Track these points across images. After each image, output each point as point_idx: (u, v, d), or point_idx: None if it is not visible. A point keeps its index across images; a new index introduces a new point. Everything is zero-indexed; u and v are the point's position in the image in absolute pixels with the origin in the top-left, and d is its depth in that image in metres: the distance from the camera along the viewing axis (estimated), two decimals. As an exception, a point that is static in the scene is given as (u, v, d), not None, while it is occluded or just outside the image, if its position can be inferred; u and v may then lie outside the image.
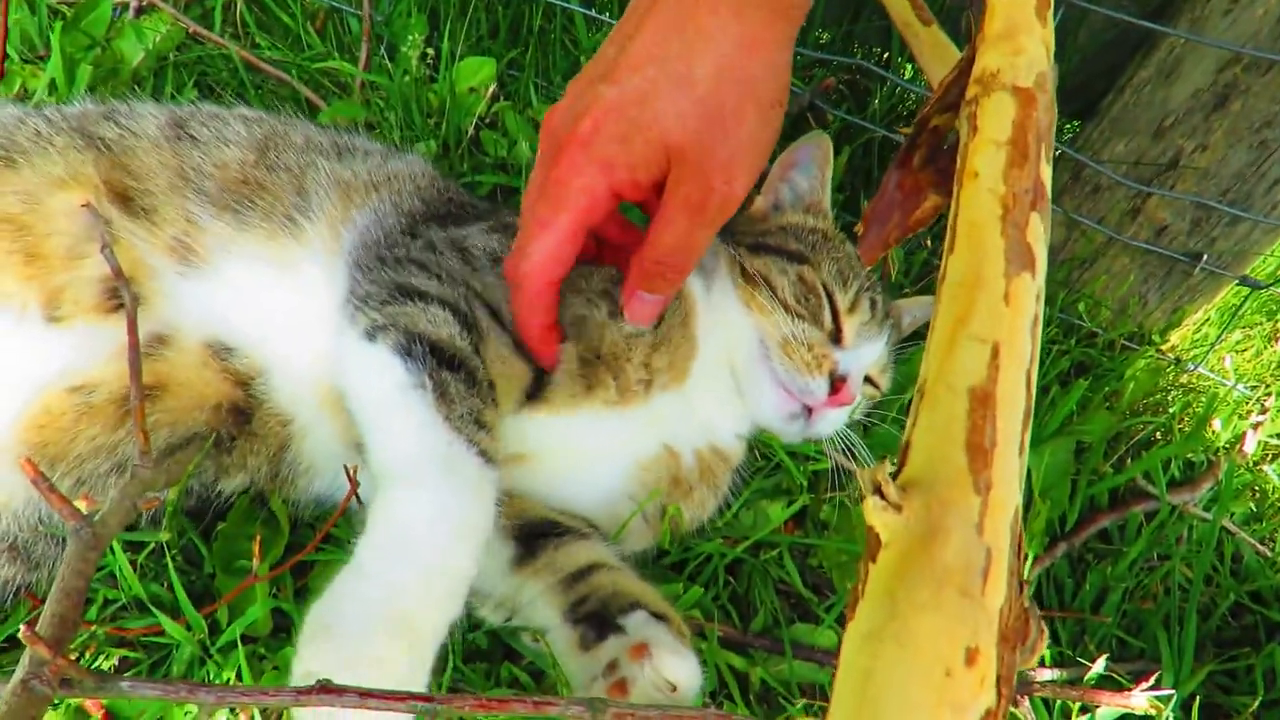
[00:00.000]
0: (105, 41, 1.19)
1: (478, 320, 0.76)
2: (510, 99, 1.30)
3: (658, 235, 0.72)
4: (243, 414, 0.76)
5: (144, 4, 1.29)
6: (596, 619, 0.72)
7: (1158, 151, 1.14)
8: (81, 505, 0.69)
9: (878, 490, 0.35)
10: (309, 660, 0.56)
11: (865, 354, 0.91)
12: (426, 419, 0.67)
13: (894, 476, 0.37)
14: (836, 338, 0.90)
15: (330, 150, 0.89)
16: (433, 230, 0.85)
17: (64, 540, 0.77)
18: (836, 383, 0.85)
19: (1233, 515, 1.16)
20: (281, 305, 0.78)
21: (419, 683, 0.59)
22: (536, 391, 0.79)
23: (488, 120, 1.26)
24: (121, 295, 0.71)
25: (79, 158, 0.78)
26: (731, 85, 0.67)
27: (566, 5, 1.28)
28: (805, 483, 1.00)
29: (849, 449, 0.94)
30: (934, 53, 0.81)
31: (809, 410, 0.87)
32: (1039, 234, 0.45)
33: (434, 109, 1.23)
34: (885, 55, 1.35)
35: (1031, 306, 0.43)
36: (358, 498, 0.80)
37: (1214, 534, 1.08)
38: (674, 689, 0.64)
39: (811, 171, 0.99)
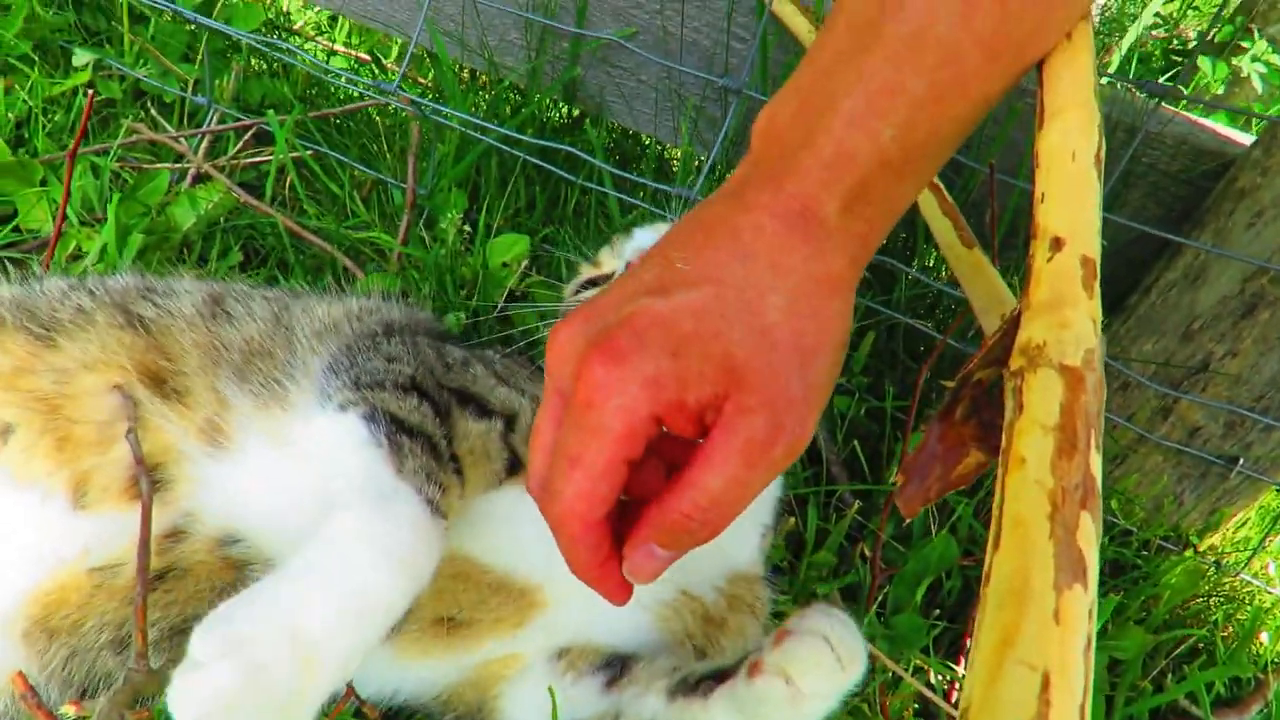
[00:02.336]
0: (160, 208, 1.25)
1: (449, 407, 0.78)
2: (542, 272, 1.33)
3: (701, 479, 0.55)
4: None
5: (201, 172, 1.36)
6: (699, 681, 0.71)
7: (1187, 354, 1.13)
8: (70, 711, 0.67)
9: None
10: (196, 645, 0.55)
11: None
12: (376, 468, 0.68)
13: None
14: None
15: (333, 298, 0.94)
16: (411, 334, 0.90)
17: (60, 723, 0.75)
18: None
19: (1285, 741, 1.08)
20: (283, 479, 0.78)
21: (307, 711, 0.56)
22: (514, 470, 0.80)
23: (519, 293, 1.29)
24: (153, 481, 0.71)
25: (116, 336, 0.80)
26: (810, 319, 0.57)
27: (601, 189, 1.33)
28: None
29: None
30: (975, 276, 0.82)
31: None
32: (1091, 537, 0.43)
33: (467, 281, 1.26)
34: (910, 241, 1.38)
35: (1084, 626, 0.40)
36: (356, 695, 0.77)
37: (1266, 763, 1.00)
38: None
39: None
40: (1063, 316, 0.53)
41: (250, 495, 0.76)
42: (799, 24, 1.21)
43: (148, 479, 0.69)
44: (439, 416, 0.76)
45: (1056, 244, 0.56)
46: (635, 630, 0.82)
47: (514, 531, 0.78)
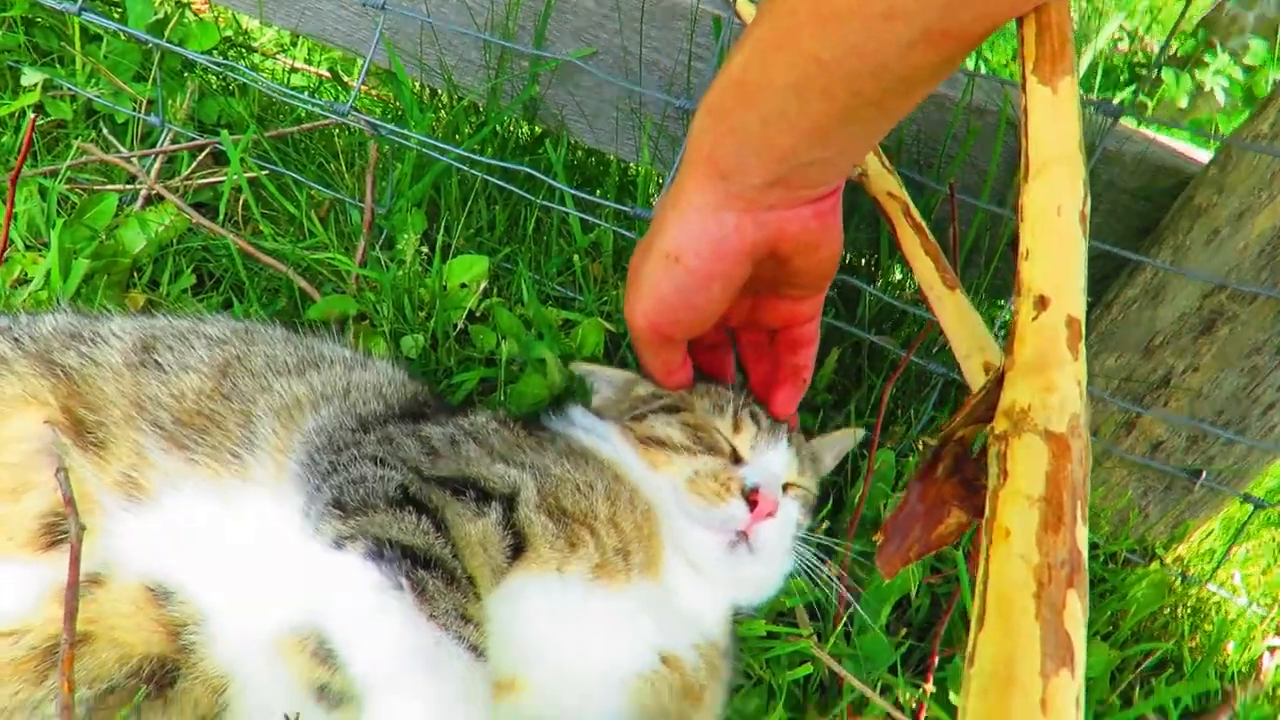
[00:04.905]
0: (109, 231, 1.22)
1: (443, 509, 0.74)
2: (502, 294, 1.31)
3: None
4: (167, 674, 0.70)
5: (153, 194, 1.34)
6: None
7: (1148, 369, 1.14)
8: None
9: None
10: None
11: (771, 462, 0.94)
12: (408, 618, 0.64)
13: None
14: (736, 459, 0.93)
15: (292, 368, 0.88)
16: (391, 426, 0.85)
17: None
18: (751, 496, 0.87)
19: (1254, 754, 1.08)
20: (231, 542, 0.75)
21: None
22: (518, 552, 0.77)
23: (478, 314, 1.27)
24: (60, 530, 0.68)
25: (37, 384, 0.77)
26: (652, 231, 0.86)
27: (563, 209, 1.31)
28: (782, 698, 0.95)
29: (813, 575, 0.96)
30: (957, 317, 0.82)
31: (743, 535, 0.87)
32: (1078, 618, 0.42)
33: (425, 303, 1.24)
34: (875, 258, 1.38)
35: (1072, 715, 0.39)
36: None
37: (1236, 777, 1.00)
38: None
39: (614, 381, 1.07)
40: (1048, 379, 0.52)
41: (177, 548, 0.73)
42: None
43: (77, 521, 0.66)
44: (439, 529, 0.71)
45: (1041, 303, 0.55)
46: (613, 706, 0.79)
47: (507, 629, 0.74)
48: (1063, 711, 0.39)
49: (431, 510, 0.72)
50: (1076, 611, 0.42)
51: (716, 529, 0.87)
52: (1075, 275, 0.57)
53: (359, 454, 0.77)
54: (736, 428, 0.95)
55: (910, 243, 0.94)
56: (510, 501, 0.79)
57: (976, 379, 0.72)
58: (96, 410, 0.77)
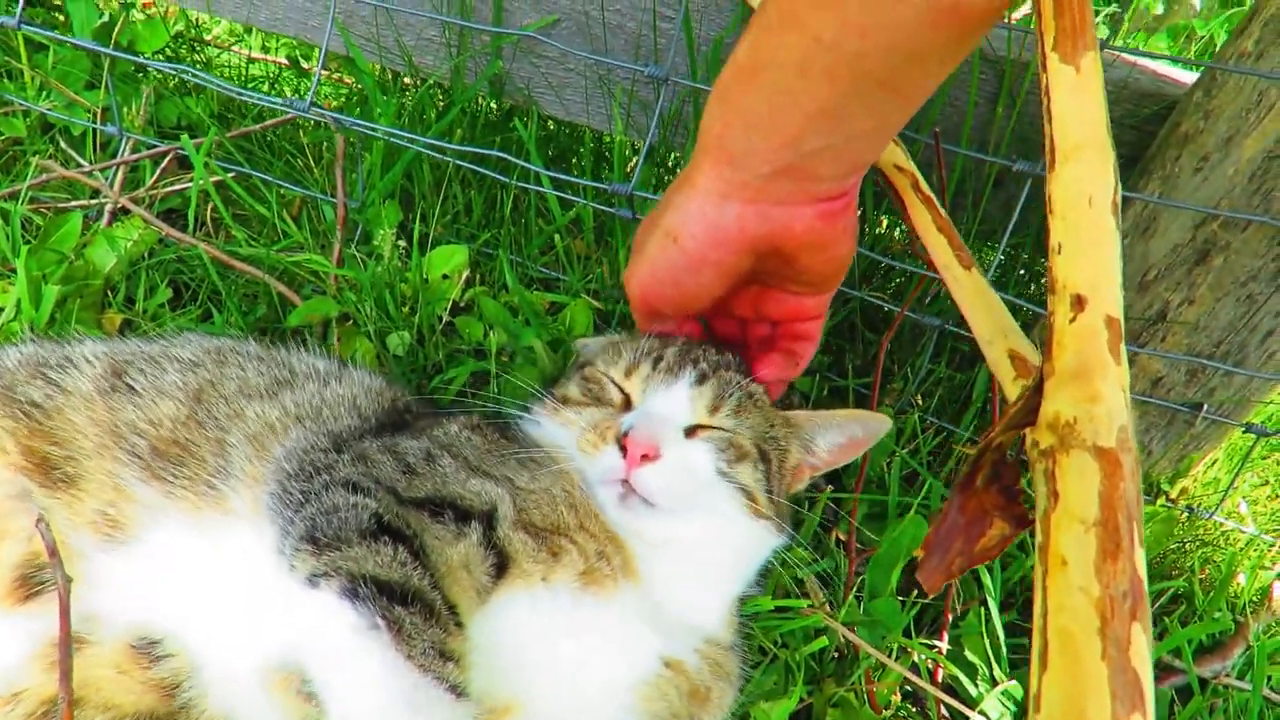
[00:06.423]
0: (77, 252, 1.19)
1: (422, 534, 0.71)
2: (485, 280, 1.29)
3: None
4: None
5: (117, 208, 1.30)
6: None
7: (1144, 304, 1.12)
8: None
9: None
10: None
11: (659, 403, 0.87)
12: (386, 661, 0.61)
13: None
14: (628, 406, 0.91)
15: (264, 390, 0.85)
16: (366, 442, 0.81)
17: None
18: (622, 441, 0.81)
19: (1270, 681, 1.09)
20: (215, 580, 0.73)
21: None
22: (501, 570, 0.74)
23: (463, 305, 1.25)
24: (37, 581, 0.66)
25: (1, 424, 0.75)
26: (660, 205, 0.88)
27: (540, 188, 1.28)
28: (801, 674, 0.95)
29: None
30: (975, 298, 0.79)
31: (628, 485, 0.82)
32: (1145, 654, 0.40)
33: (408, 298, 1.22)
34: (860, 211, 1.35)
35: None
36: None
37: (1256, 706, 1.01)
38: None
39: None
40: (1092, 389, 0.49)
41: (161, 591, 0.71)
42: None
43: (63, 573, 0.63)
44: (417, 558, 0.68)
45: (1078, 303, 0.53)
46: (618, 715, 0.77)
47: (496, 651, 0.72)
48: None
49: (409, 538, 0.69)
50: (1142, 646, 0.40)
51: (601, 483, 0.83)
52: (1112, 271, 0.54)
53: (332, 480, 0.73)
54: (629, 372, 0.91)
55: (922, 219, 0.91)
56: (489, 519, 0.76)
57: (1001, 367, 0.70)
58: (65, 444, 0.75)
